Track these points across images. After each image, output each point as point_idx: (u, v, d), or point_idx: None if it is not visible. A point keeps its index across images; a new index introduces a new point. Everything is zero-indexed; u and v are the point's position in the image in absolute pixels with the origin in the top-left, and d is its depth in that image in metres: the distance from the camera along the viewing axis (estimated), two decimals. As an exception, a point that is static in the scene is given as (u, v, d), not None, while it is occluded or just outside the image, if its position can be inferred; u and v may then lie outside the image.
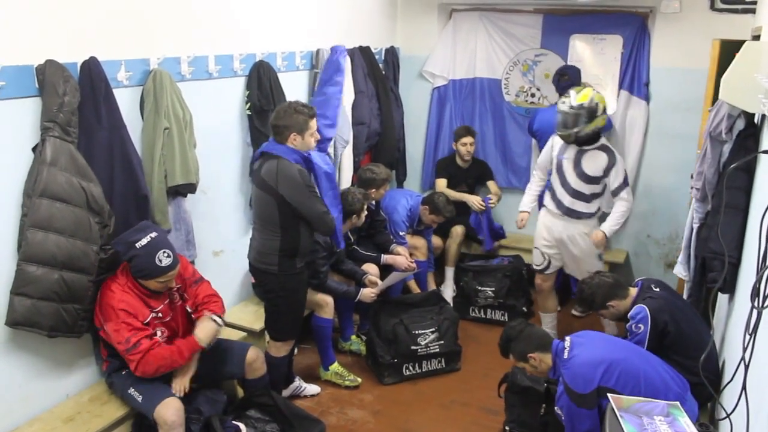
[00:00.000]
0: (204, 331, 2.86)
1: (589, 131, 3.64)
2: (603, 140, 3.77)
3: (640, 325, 2.88)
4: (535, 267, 4.11)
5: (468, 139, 4.89)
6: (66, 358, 2.87)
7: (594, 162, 3.71)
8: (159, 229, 2.76)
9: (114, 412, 2.83)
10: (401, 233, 4.41)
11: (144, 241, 2.64)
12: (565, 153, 3.80)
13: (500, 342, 2.95)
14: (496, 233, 5.01)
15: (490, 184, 5.10)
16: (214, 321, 2.91)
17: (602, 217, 3.94)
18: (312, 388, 3.69)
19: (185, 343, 2.80)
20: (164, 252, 2.68)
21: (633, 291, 3.08)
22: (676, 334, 2.85)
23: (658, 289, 3.01)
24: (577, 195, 3.78)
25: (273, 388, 3.24)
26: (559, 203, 3.86)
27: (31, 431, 2.67)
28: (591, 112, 3.60)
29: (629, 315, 2.98)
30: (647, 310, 2.88)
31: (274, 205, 3.00)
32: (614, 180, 3.72)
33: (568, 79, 4.49)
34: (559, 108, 3.68)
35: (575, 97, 3.62)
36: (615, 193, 3.76)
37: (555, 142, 3.87)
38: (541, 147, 4.55)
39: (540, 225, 4.02)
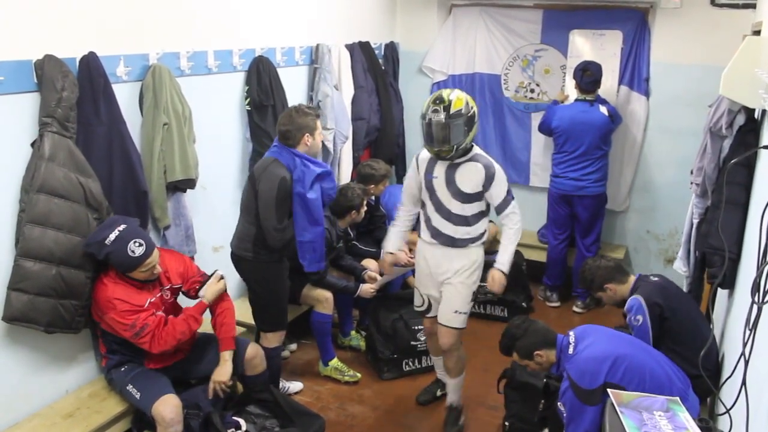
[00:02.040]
0: (209, 289, 2.92)
1: (469, 143, 2.97)
2: (475, 149, 3.06)
3: (638, 316, 2.87)
4: (415, 308, 3.40)
5: None
6: (65, 354, 2.87)
7: (470, 176, 3.00)
8: (128, 220, 2.71)
9: (113, 408, 2.83)
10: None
11: (112, 236, 2.60)
12: (434, 171, 3.05)
13: (504, 341, 2.92)
14: None
15: None
16: (221, 279, 2.97)
17: None
18: (295, 385, 3.67)
19: (193, 309, 2.85)
20: (135, 242, 2.63)
21: (632, 278, 3.10)
22: (674, 320, 2.86)
23: (656, 279, 3.03)
24: (456, 219, 3.04)
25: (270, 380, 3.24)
26: (435, 231, 3.10)
27: (30, 427, 2.67)
28: (470, 119, 2.92)
29: (625, 309, 2.98)
30: (640, 299, 2.89)
31: (252, 197, 3.06)
32: (497, 194, 3.02)
33: (591, 74, 4.40)
34: (430, 119, 2.89)
35: (450, 104, 2.88)
36: (501, 209, 3.06)
37: (419, 160, 3.13)
38: (559, 143, 4.53)
39: (419, 259, 3.27)
